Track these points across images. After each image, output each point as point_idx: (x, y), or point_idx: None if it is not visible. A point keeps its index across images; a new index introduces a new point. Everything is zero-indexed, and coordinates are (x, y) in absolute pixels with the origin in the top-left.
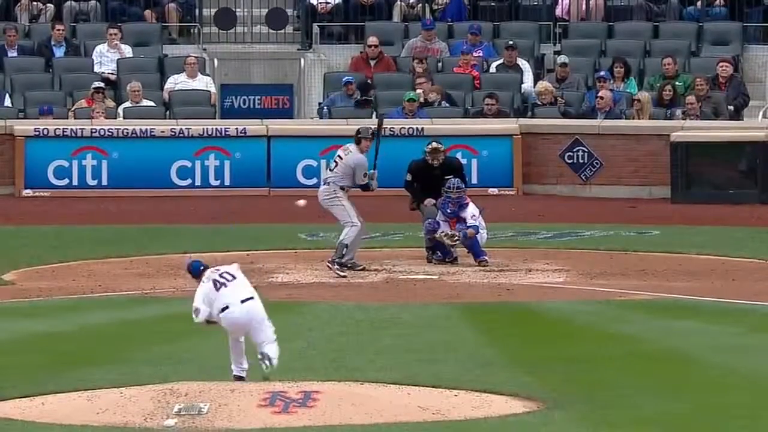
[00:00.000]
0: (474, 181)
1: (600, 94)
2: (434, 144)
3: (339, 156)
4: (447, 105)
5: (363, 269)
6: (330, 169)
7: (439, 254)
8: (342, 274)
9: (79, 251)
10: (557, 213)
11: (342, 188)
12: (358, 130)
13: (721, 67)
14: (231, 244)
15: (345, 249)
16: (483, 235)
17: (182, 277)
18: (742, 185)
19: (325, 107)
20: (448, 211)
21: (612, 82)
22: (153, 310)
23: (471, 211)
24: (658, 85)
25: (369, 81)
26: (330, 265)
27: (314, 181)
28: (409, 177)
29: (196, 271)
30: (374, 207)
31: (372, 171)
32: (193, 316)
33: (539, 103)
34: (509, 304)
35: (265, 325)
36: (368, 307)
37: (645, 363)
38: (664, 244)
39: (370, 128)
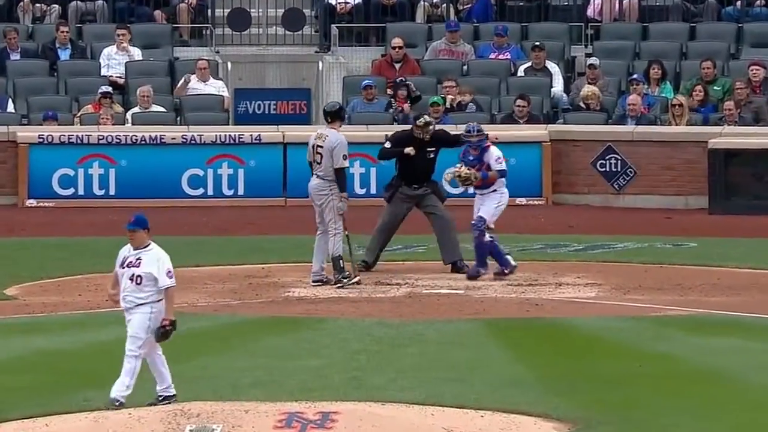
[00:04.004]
0: None
1: (629, 99)
2: (426, 118)
3: (317, 146)
4: (473, 109)
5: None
6: (317, 163)
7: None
8: (354, 281)
9: (86, 264)
10: (588, 224)
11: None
12: (324, 109)
13: (753, 71)
14: (245, 257)
15: (341, 261)
16: (494, 208)
17: (194, 291)
18: None
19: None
20: (471, 158)
21: (646, 86)
22: None
23: (495, 154)
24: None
25: (404, 79)
26: (339, 284)
27: None
28: (388, 144)
29: (145, 222)
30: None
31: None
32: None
33: (584, 106)
34: (538, 320)
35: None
36: (389, 323)
37: (681, 383)
38: (701, 257)
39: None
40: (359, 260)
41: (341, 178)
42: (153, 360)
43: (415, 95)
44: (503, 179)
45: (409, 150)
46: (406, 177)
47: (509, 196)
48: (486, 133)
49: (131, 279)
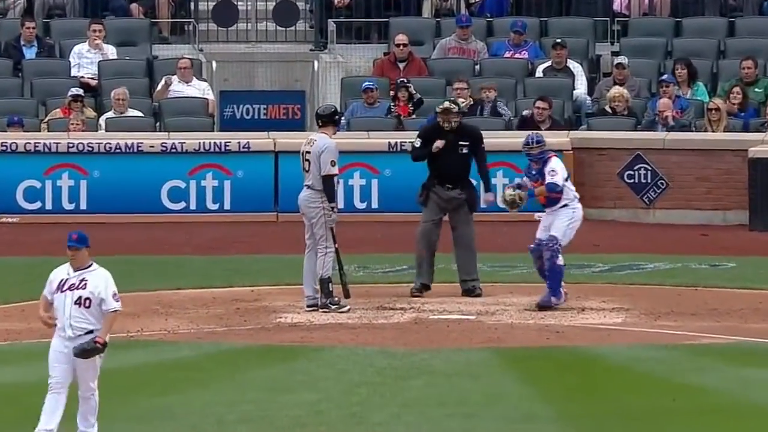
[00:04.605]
0: None
1: (660, 102)
2: (446, 103)
3: (305, 152)
4: (499, 111)
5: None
6: (305, 171)
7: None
8: (344, 309)
9: None
10: (615, 242)
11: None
12: (317, 112)
13: None
14: (232, 279)
15: (330, 284)
16: (566, 226)
17: (174, 317)
18: None
19: (344, 118)
20: (533, 172)
21: (677, 87)
22: (140, 356)
23: (551, 165)
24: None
25: (404, 80)
26: (325, 309)
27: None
28: (417, 142)
29: (87, 240)
30: (400, 235)
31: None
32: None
33: (609, 111)
34: (559, 349)
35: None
36: (393, 352)
37: (719, 418)
38: (741, 279)
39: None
40: (415, 287)
41: (329, 186)
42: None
43: (417, 99)
44: (576, 193)
45: (438, 143)
46: (439, 175)
47: (525, 210)
48: (545, 142)
49: (78, 303)
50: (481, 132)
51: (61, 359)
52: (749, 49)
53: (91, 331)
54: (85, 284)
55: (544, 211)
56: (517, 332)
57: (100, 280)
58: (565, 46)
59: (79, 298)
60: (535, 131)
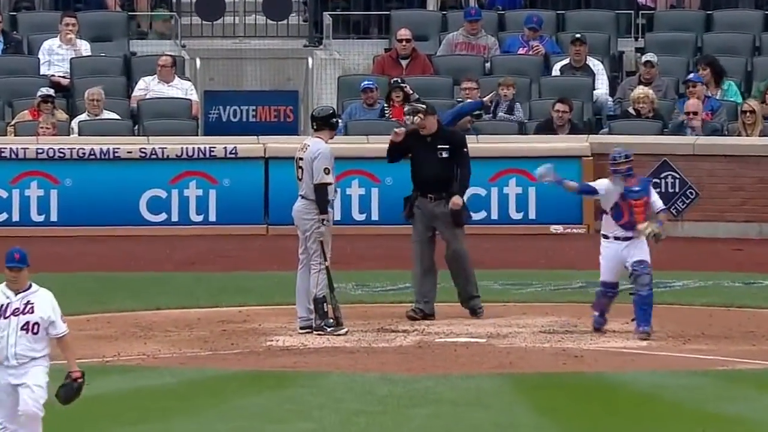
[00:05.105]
0: (532, 215)
1: (688, 104)
2: (413, 104)
3: (299, 158)
4: (513, 111)
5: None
6: (298, 179)
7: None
8: (340, 331)
9: None
10: None
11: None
12: (312, 114)
13: None
14: (218, 297)
15: (324, 304)
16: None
17: (154, 340)
18: None
19: (341, 121)
20: (637, 189)
21: (706, 87)
22: (117, 383)
23: (654, 192)
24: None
25: (398, 80)
26: (320, 332)
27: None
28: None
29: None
30: (401, 250)
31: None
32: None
33: (633, 113)
34: (577, 376)
35: None
36: (395, 378)
37: None
38: None
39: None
40: (416, 308)
41: (321, 196)
42: None
43: (413, 99)
44: None
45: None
46: (418, 184)
47: (541, 223)
48: (632, 157)
49: (25, 329)
50: (464, 136)
51: (4, 397)
52: None
53: (35, 358)
54: (32, 308)
55: (558, 224)
56: (531, 357)
57: (46, 303)
58: (584, 42)
59: (27, 323)
60: (620, 149)
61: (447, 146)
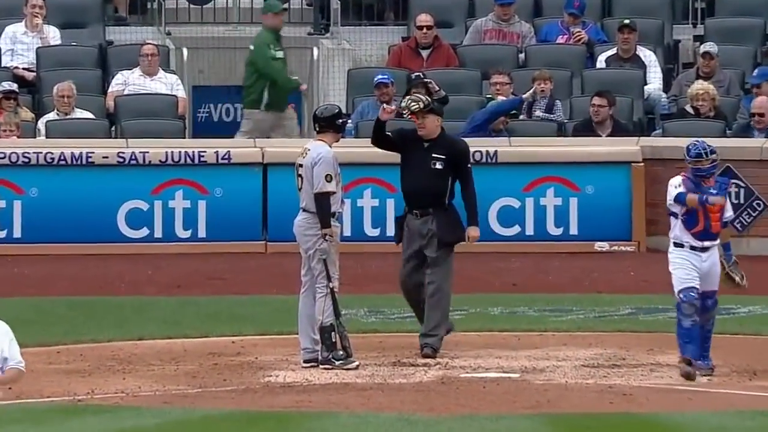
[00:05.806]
0: (573, 231)
1: (755, 102)
2: (411, 98)
3: (299, 165)
4: (553, 109)
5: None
6: (299, 189)
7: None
8: (351, 365)
9: None
10: None
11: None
12: (314, 114)
13: None
14: (208, 326)
15: (332, 334)
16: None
17: (134, 375)
18: None
19: (351, 121)
20: (713, 191)
21: None
22: (91, 425)
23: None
24: None
25: (420, 74)
26: (327, 365)
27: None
28: (390, 135)
29: None
30: None
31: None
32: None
33: (691, 112)
34: (625, 417)
35: None
36: (414, 420)
37: None
38: None
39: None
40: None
41: (322, 206)
42: None
43: (438, 96)
44: None
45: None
46: (405, 197)
47: (584, 239)
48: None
49: None
50: (468, 148)
51: None
52: None
53: None
54: None
55: (604, 240)
56: (572, 395)
57: (3, 336)
58: (634, 29)
59: None
60: (697, 140)
61: (443, 157)
